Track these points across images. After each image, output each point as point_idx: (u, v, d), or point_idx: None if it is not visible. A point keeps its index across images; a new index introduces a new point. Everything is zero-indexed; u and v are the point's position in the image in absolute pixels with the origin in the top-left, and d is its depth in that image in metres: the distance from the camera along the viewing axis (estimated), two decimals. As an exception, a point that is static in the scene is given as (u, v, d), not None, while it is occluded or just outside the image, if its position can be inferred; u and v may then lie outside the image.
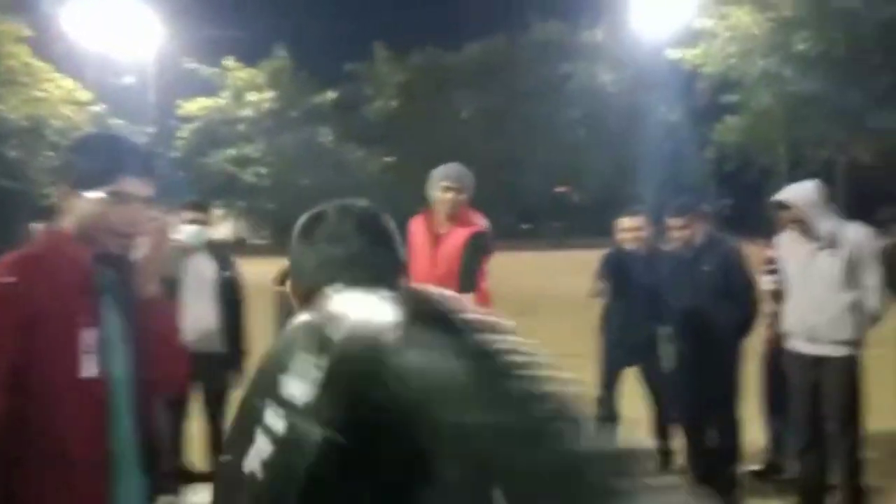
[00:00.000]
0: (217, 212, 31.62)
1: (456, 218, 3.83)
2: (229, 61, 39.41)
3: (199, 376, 3.66)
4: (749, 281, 4.04)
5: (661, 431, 4.53)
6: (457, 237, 3.85)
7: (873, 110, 25.03)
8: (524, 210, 33.40)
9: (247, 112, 39.48)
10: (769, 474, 4.48)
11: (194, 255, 4.05)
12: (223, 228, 35.85)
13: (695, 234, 4.08)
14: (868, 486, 3.65)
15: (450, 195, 3.75)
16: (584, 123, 36.76)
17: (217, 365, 3.96)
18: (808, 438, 3.72)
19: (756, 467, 4.44)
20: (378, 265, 1.23)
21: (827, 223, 3.58)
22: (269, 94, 39.59)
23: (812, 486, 3.74)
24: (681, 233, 4.10)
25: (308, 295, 1.19)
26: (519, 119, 37.56)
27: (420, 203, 3.99)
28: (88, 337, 1.63)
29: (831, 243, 3.55)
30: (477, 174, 3.93)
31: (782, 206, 3.66)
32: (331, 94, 40.57)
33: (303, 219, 1.31)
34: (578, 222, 43.97)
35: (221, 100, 39.72)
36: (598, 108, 37.12)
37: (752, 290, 4.03)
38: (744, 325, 4.05)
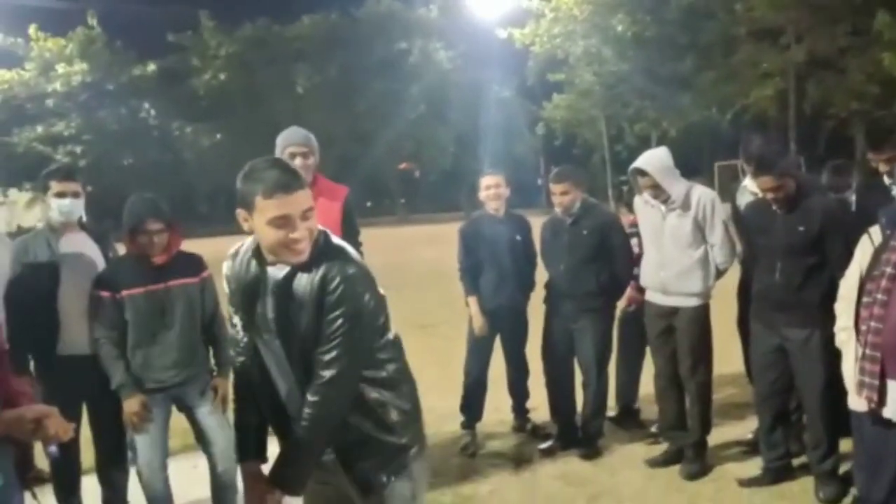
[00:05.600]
0: (26, 195, 28.72)
1: (313, 186, 3.57)
2: (33, 30, 35.64)
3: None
4: (627, 243, 4.36)
5: (522, 392, 4.77)
6: (329, 211, 3.63)
7: (679, 89, 27.46)
8: (368, 187, 33.21)
9: (55, 86, 35.92)
10: (624, 419, 4.90)
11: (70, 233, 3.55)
12: (34, 213, 32.53)
13: (574, 200, 4.34)
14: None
15: (298, 161, 3.56)
16: (423, 100, 37.00)
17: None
18: (666, 381, 4.14)
19: (612, 414, 4.78)
20: None
21: (679, 186, 3.96)
22: (80, 67, 36.26)
23: (671, 421, 4.17)
24: (562, 198, 4.33)
25: None
26: (359, 95, 37.02)
27: None
28: None
29: (683, 205, 3.94)
30: (319, 151, 3.77)
31: (641, 172, 3.99)
32: (152, 66, 37.85)
33: None
34: (422, 198, 44.57)
35: (26, 73, 35.84)
36: (437, 84, 37.42)
37: (629, 251, 4.31)
38: (620, 285, 4.37)
